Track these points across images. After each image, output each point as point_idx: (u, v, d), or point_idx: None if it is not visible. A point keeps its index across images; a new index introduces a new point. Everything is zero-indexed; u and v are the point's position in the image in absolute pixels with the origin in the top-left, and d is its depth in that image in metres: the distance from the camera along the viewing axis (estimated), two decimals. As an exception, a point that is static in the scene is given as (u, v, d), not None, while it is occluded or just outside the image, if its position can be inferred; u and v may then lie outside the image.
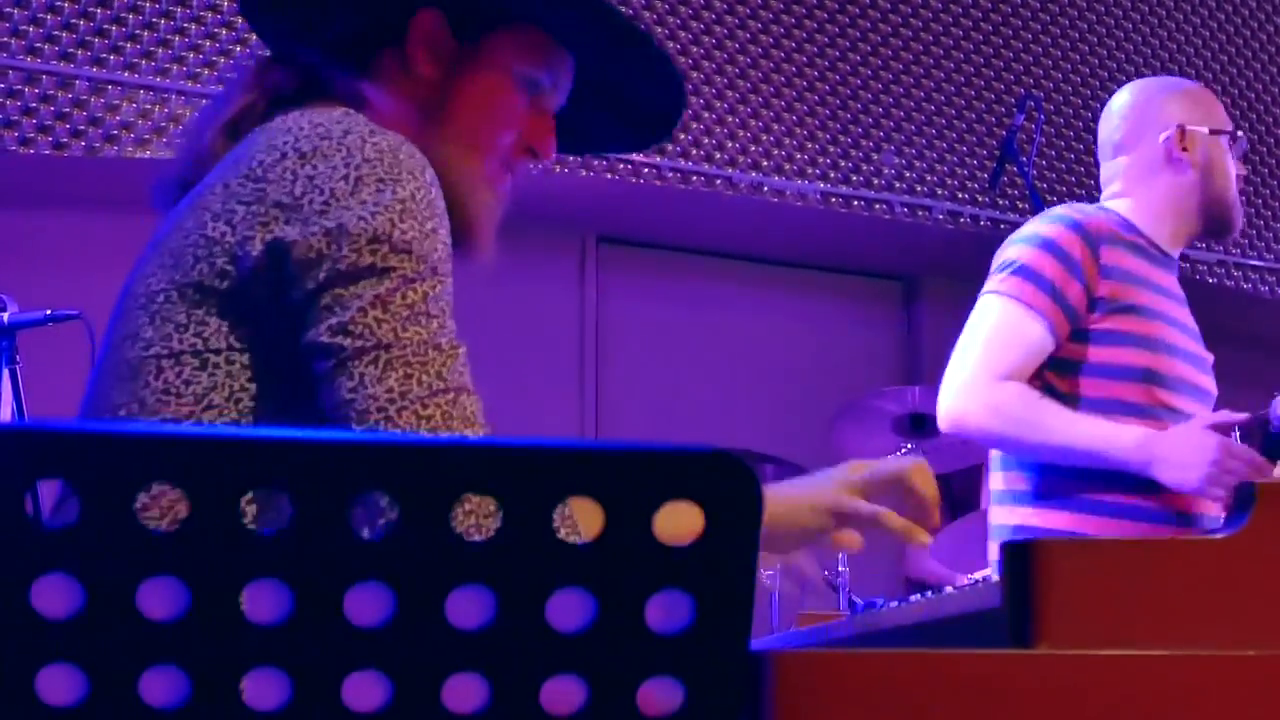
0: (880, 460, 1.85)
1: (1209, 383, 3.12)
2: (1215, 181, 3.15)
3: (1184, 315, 3.12)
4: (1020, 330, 2.95)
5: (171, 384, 1.56)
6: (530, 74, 1.83)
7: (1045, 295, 2.94)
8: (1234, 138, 3.20)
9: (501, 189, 1.84)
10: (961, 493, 5.36)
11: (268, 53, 1.88)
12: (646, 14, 5.90)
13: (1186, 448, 2.81)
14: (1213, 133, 3.17)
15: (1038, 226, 3.05)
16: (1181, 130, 3.15)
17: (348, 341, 1.51)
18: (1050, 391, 2.96)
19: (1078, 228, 2.99)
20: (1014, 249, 3.03)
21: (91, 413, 1.62)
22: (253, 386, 1.56)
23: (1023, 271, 2.97)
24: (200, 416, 1.55)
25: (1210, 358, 3.15)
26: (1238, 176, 3.18)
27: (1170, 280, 3.11)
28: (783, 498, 1.83)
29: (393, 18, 1.80)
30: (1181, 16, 6.95)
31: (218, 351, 1.56)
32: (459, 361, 1.55)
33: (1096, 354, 2.98)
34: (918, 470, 1.84)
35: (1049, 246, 2.97)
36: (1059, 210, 3.10)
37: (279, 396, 1.57)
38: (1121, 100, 3.28)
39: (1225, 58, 7.01)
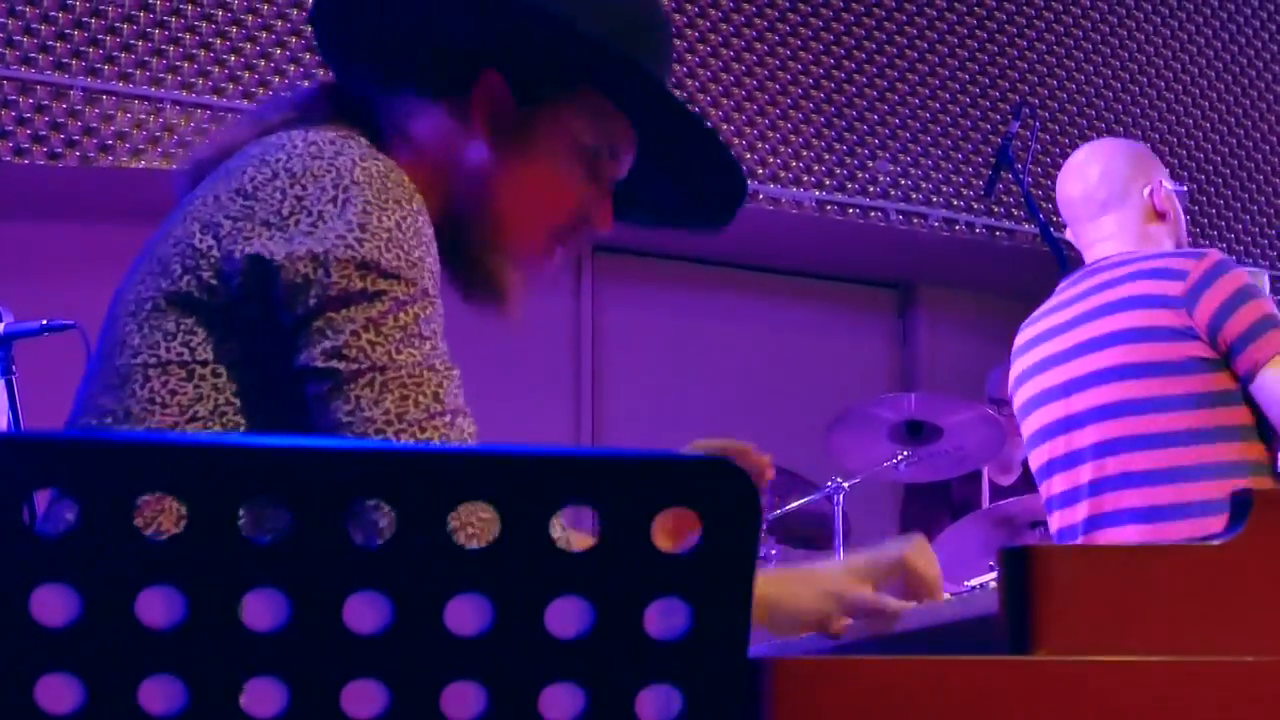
0: (878, 549, 1.76)
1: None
2: (1179, 230, 3.34)
3: None
4: None
5: (157, 393, 1.55)
6: (592, 144, 1.78)
7: None
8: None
9: (548, 266, 1.83)
10: (960, 498, 5.36)
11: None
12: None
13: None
14: (1174, 189, 3.35)
15: (1247, 275, 3.12)
16: (1160, 185, 3.32)
17: (342, 365, 1.51)
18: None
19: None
20: (1261, 305, 3.05)
21: (80, 419, 1.61)
22: (238, 401, 1.55)
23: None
24: (184, 427, 1.54)
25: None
26: None
27: None
28: (787, 580, 1.76)
29: (460, 71, 1.74)
30: (1176, 24, 6.95)
31: (204, 363, 1.55)
32: (454, 383, 1.55)
33: None
34: (919, 552, 1.73)
35: (1258, 292, 3.08)
36: (1238, 267, 3.14)
37: (266, 413, 1.56)
38: (1093, 161, 3.40)
39: (1220, 64, 7.02)
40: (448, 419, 1.52)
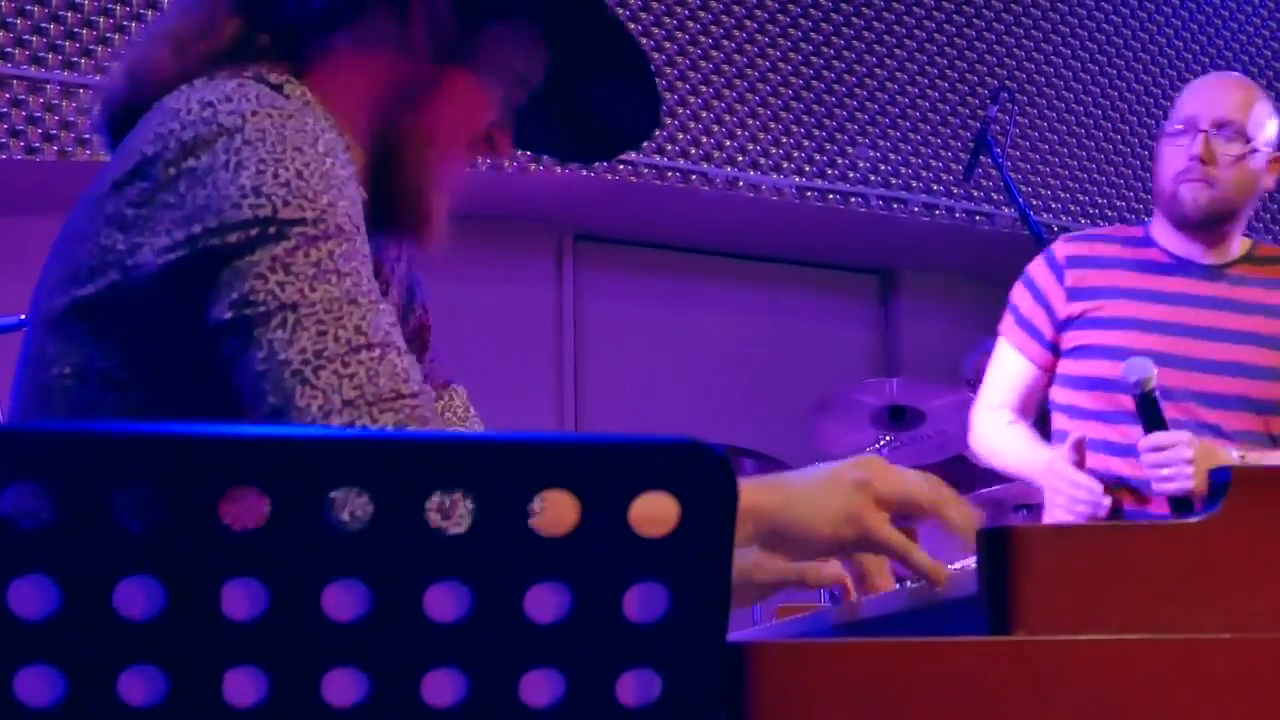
0: (904, 473, 1.55)
1: (1219, 384, 3.15)
2: (1155, 183, 3.35)
3: (1199, 317, 3.20)
4: (1002, 363, 3.41)
5: (78, 405, 1.47)
6: (523, 74, 1.73)
7: (1019, 328, 3.36)
8: (1174, 129, 3.25)
9: (458, 179, 1.73)
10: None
11: None
12: (620, 10, 5.90)
13: (1048, 477, 3.14)
14: (1164, 136, 3.31)
15: (1031, 263, 3.42)
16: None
17: (250, 310, 1.39)
18: (1047, 403, 3.38)
19: (1048, 256, 3.37)
20: (1015, 287, 3.43)
21: None
22: (167, 405, 1.46)
23: (1009, 307, 3.40)
24: None
25: (1247, 359, 3.18)
26: (1189, 159, 3.20)
27: (1196, 284, 3.23)
28: (788, 491, 1.52)
29: None
30: (1153, 6, 6.96)
31: (123, 368, 1.47)
32: (382, 317, 1.42)
33: (1065, 366, 3.29)
34: (953, 501, 1.54)
35: (1025, 281, 3.39)
36: (1057, 240, 3.43)
37: (197, 412, 1.46)
38: None
39: (1198, 47, 7.03)
40: (375, 353, 1.39)
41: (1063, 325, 3.27)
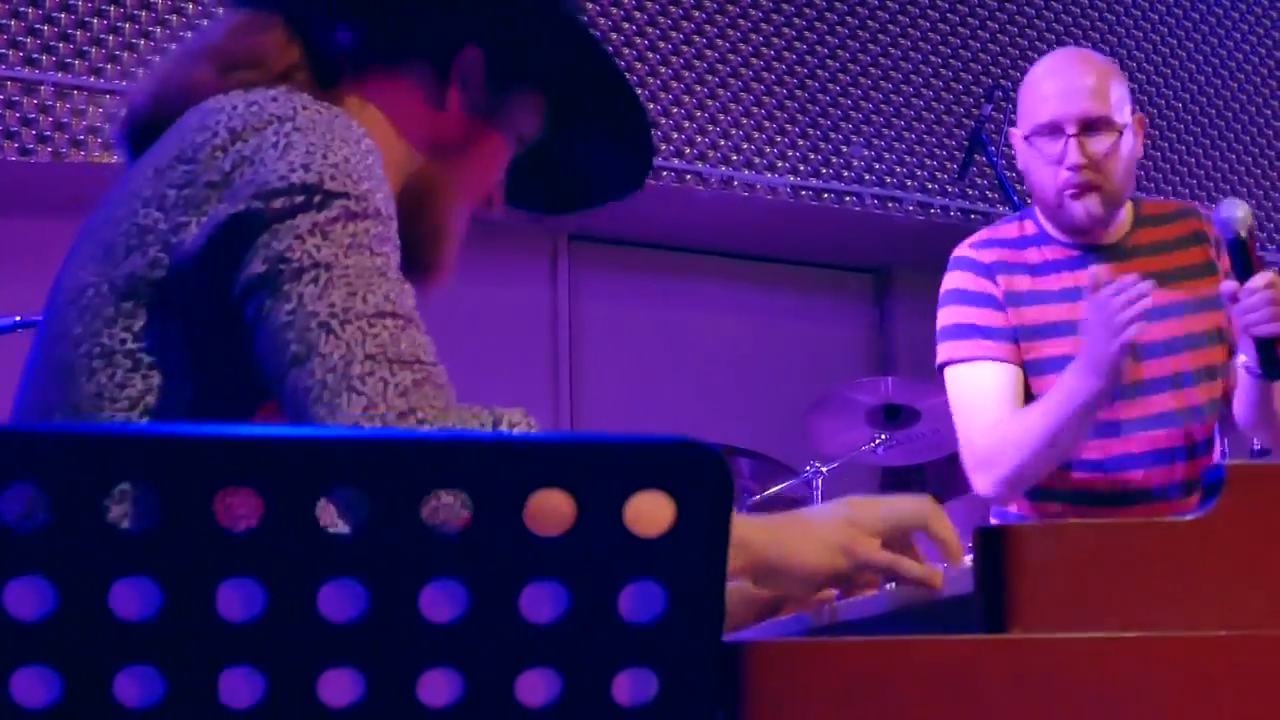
0: (888, 501, 1.62)
1: (1167, 366, 3.04)
2: (1030, 187, 3.14)
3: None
4: (974, 385, 3.07)
5: (105, 387, 1.49)
6: (526, 137, 1.80)
7: (985, 339, 3.05)
8: (1039, 138, 3.06)
9: (464, 229, 1.79)
10: (937, 481, 5.38)
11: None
12: (613, 10, 5.91)
13: (1088, 332, 2.84)
14: (1025, 138, 3.12)
15: (946, 280, 3.15)
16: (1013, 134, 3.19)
17: (284, 266, 1.42)
18: None
19: (972, 264, 3.11)
20: (940, 314, 3.14)
21: (26, 414, 1.56)
22: (189, 390, 1.49)
23: (952, 333, 3.10)
24: (137, 421, 1.48)
25: (1179, 331, 3.04)
26: (1070, 168, 3.01)
27: (1114, 270, 2.94)
28: (780, 529, 1.57)
29: (443, 36, 1.72)
30: (1147, 4, 6.97)
31: (151, 351, 1.49)
32: (408, 297, 1.46)
33: (1036, 385, 3.05)
34: (936, 514, 1.61)
35: (958, 297, 3.11)
36: (955, 253, 3.16)
37: (219, 399, 1.50)
38: None
39: (1191, 44, 7.03)
40: (400, 322, 1.42)
41: (1016, 333, 3.06)
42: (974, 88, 6.45)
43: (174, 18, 5.35)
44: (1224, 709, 1.22)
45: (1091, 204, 3.02)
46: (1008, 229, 3.19)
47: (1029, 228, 3.16)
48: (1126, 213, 3.15)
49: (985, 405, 3.05)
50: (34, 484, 0.92)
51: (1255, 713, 1.23)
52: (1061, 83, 3.08)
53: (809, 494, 4.94)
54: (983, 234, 3.21)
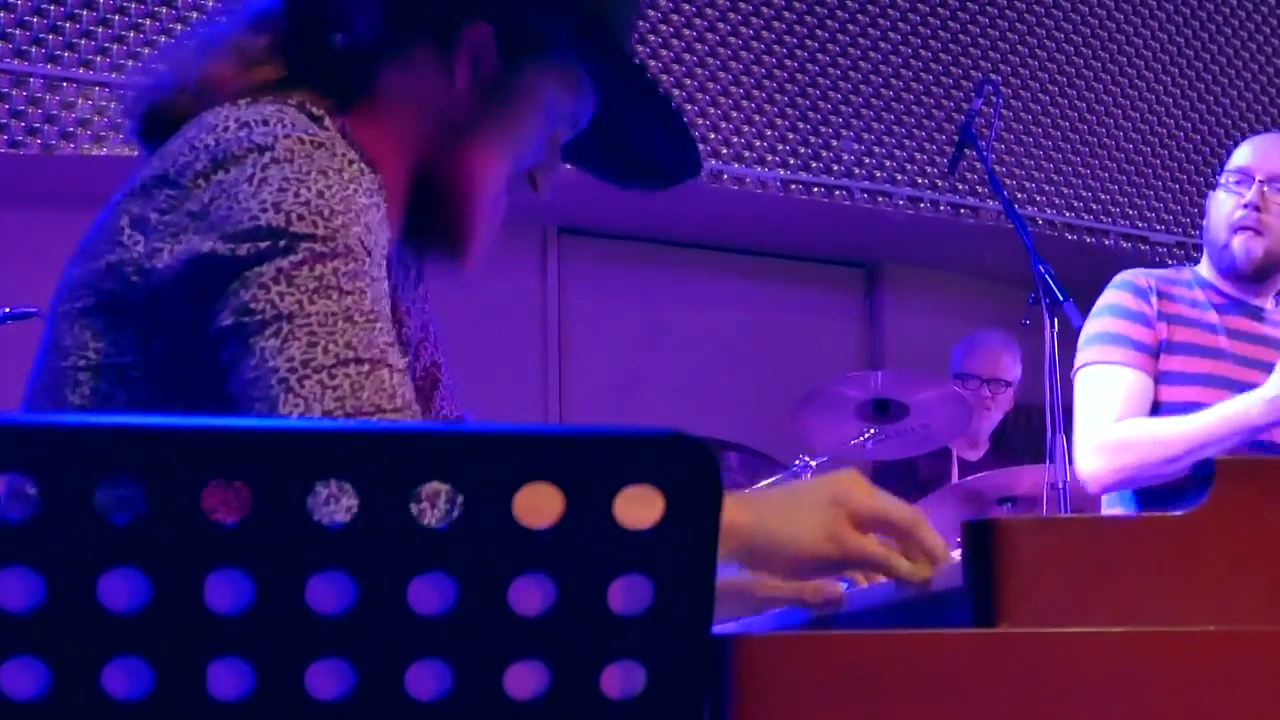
0: (878, 495, 1.57)
1: None
2: (1207, 232, 3.53)
3: (1248, 350, 3.39)
4: (1114, 383, 3.36)
5: (89, 400, 1.51)
6: (567, 114, 1.77)
7: (1128, 349, 3.37)
8: (1231, 180, 3.45)
9: (498, 213, 1.78)
10: (927, 474, 5.39)
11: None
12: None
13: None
14: (1219, 185, 3.50)
15: (1104, 296, 3.49)
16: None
17: (248, 319, 1.42)
18: None
19: (1130, 286, 3.44)
20: (1092, 323, 3.47)
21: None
22: (176, 406, 1.49)
23: (1101, 339, 3.42)
24: None
25: None
26: (1244, 207, 3.40)
27: (1245, 323, 3.43)
28: (768, 510, 1.54)
29: (446, 15, 1.69)
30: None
31: (135, 366, 1.50)
32: (376, 333, 1.44)
33: (1164, 393, 3.37)
34: (920, 524, 1.56)
35: (1113, 310, 3.44)
36: (1119, 277, 3.51)
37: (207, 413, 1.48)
38: None
39: (1182, 40, 7.04)
40: (364, 368, 1.40)
41: (1161, 346, 3.38)
42: (964, 82, 6.45)
43: (163, 9, 5.34)
44: (1214, 704, 1.22)
45: (1252, 243, 3.40)
46: (1167, 270, 3.61)
47: (1187, 273, 3.53)
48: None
49: (1120, 401, 3.33)
50: (22, 475, 0.92)
51: (1245, 708, 1.23)
52: (1262, 143, 3.53)
53: (798, 488, 4.93)
54: (1142, 269, 3.56)
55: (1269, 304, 3.48)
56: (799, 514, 1.54)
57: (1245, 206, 3.39)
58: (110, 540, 0.92)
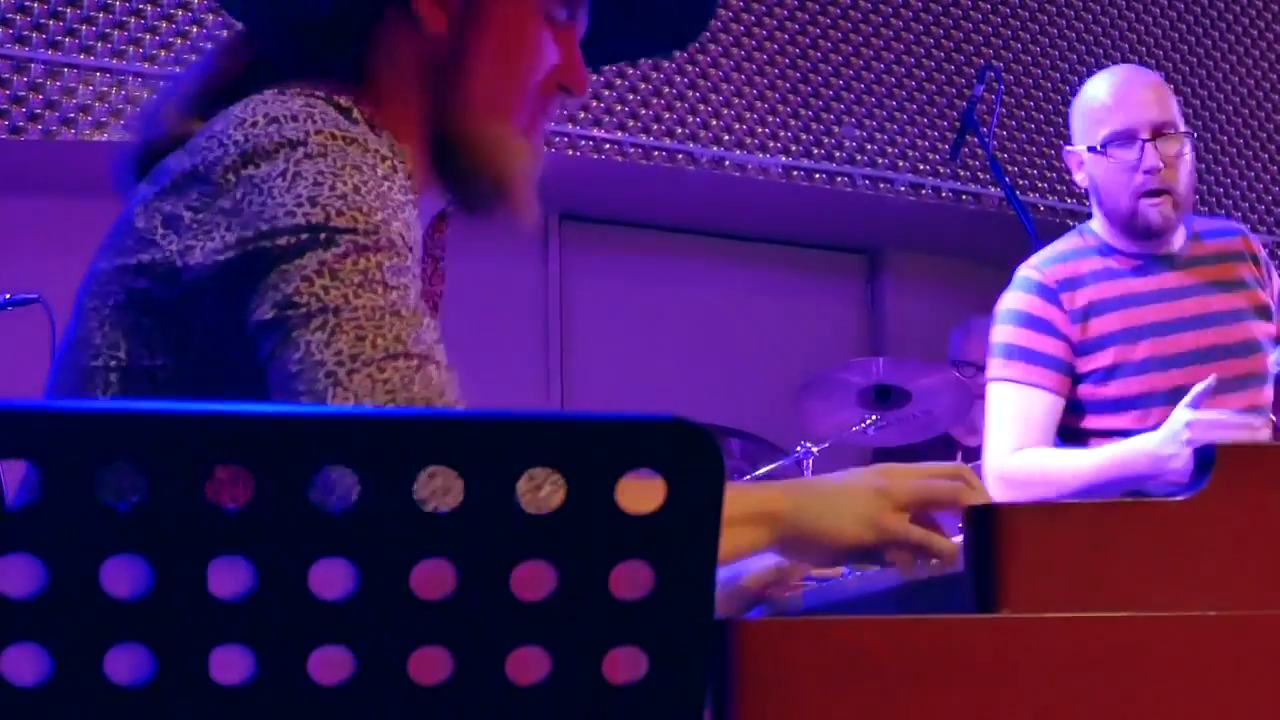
0: (922, 471, 1.59)
1: (1236, 366, 3.22)
2: (1100, 198, 3.31)
3: (1174, 310, 3.25)
4: (1018, 406, 3.23)
5: (118, 398, 1.48)
6: (559, 14, 1.69)
7: (1031, 364, 3.23)
8: (1113, 146, 3.24)
9: (536, 141, 1.70)
10: (927, 461, 5.38)
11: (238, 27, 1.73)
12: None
13: (1168, 440, 3.02)
14: (1089, 150, 3.29)
15: (1007, 298, 3.31)
16: (1073, 154, 3.36)
17: (292, 312, 1.38)
18: (1067, 433, 3.26)
19: (1035, 286, 3.27)
20: (995, 330, 3.31)
21: None
22: None
23: (1005, 352, 3.27)
24: None
25: (1222, 340, 3.25)
26: (1147, 171, 3.21)
27: (1164, 278, 3.27)
28: (806, 496, 1.54)
29: None
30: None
31: (167, 369, 1.48)
32: (424, 330, 1.41)
33: (1087, 392, 3.24)
34: (970, 489, 1.57)
35: (1017, 318, 3.27)
36: (1020, 272, 3.32)
37: None
38: None
39: (1184, 26, 7.03)
40: (413, 363, 1.38)
41: (1076, 349, 3.23)
42: (966, 69, 6.44)
43: (165, -5, 5.34)
44: (1213, 689, 1.23)
45: (1165, 207, 3.22)
46: (1066, 243, 3.38)
47: (1089, 240, 3.34)
48: (1182, 225, 3.34)
49: (1021, 429, 3.22)
50: (25, 461, 0.92)
51: (1244, 693, 1.23)
52: (1127, 93, 3.28)
53: (799, 475, 4.94)
54: (1043, 253, 3.38)
55: (1178, 242, 3.32)
56: (843, 503, 1.54)
57: (1146, 171, 3.20)
58: (112, 526, 0.92)
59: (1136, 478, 3.06)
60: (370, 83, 1.65)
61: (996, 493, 3.18)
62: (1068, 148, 3.39)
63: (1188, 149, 3.25)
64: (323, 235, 1.40)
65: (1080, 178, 3.35)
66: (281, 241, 1.41)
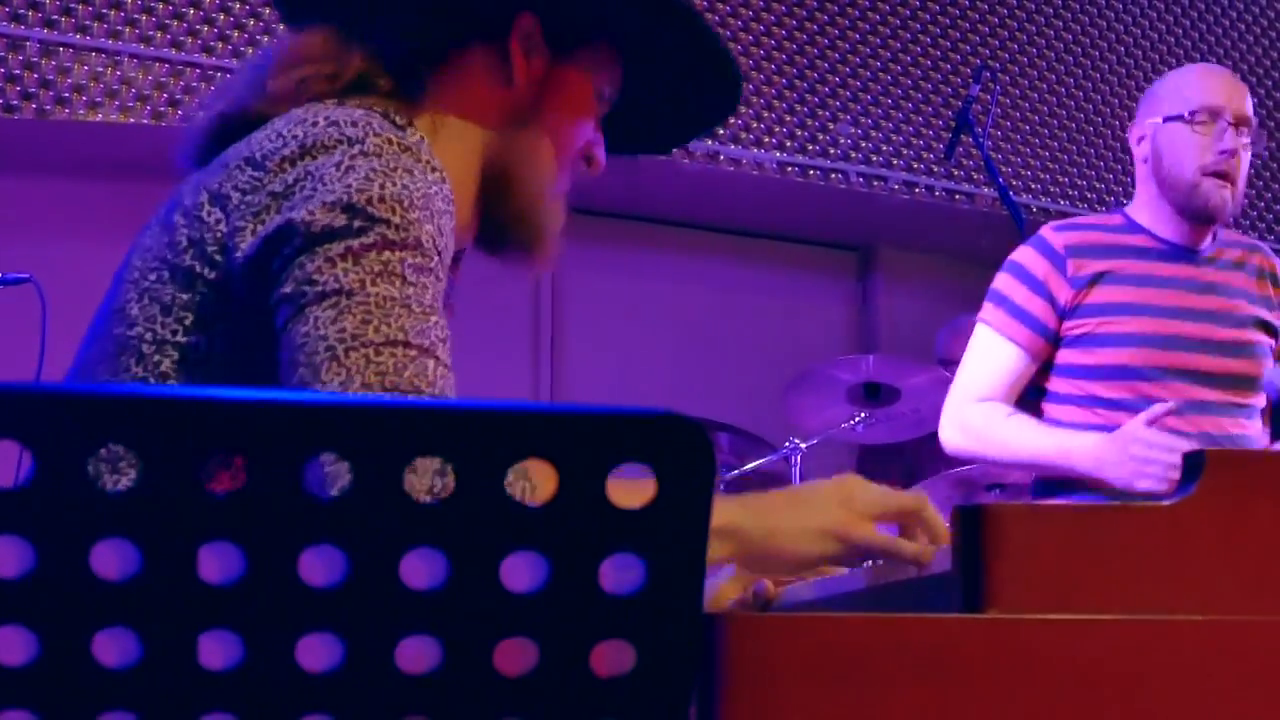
0: (880, 488, 1.61)
1: (1211, 363, 3.23)
2: (1162, 167, 3.30)
3: (1191, 300, 3.26)
4: (990, 354, 3.31)
5: (150, 373, 1.52)
6: (608, 91, 1.82)
7: (1012, 318, 3.28)
8: (1198, 117, 3.25)
9: (564, 200, 1.83)
10: (915, 459, 5.39)
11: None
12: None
13: (1113, 447, 3.06)
14: (1166, 120, 3.29)
15: (1017, 250, 3.37)
16: (1138, 129, 3.37)
17: (309, 288, 1.43)
18: (1037, 391, 3.32)
19: (1042, 246, 3.30)
20: (996, 276, 3.37)
21: (77, 379, 1.59)
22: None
23: (993, 297, 3.34)
24: None
25: (1229, 338, 3.26)
26: (1222, 151, 3.22)
27: (1183, 269, 3.29)
28: (768, 511, 1.58)
29: (492, 14, 1.73)
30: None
31: (198, 347, 1.52)
32: (430, 325, 1.46)
33: (1072, 356, 3.26)
34: (926, 504, 1.60)
35: (1015, 270, 3.32)
36: (1042, 230, 3.37)
37: None
38: None
39: (1180, 30, 7.03)
40: (411, 353, 1.42)
41: (1066, 313, 3.25)
42: (962, 67, 6.44)
43: (161, -23, 5.32)
44: (1198, 693, 1.23)
45: (1225, 192, 3.24)
46: (1093, 218, 3.45)
47: (1116, 219, 3.36)
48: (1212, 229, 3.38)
49: (991, 379, 3.29)
50: (17, 442, 0.92)
51: (1230, 697, 1.23)
52: (1220, 79, 3.34)
53: (787, 470, 4.94)
54: (1067, 221, 3.43)
55: (1205, 242, 3.33)
56: (804, 516, 1.56)
57: (1221, 152, 3.21)
58: (103, 509, 0.92)
59: (1073, 471, 3.13)
60: (431, 106, 1.71)
61: (951, 433, 3.35)
62: (1138, 123, 3.38)
63: (1249, 152, 3.30)
64: (357, 222, 1.45)
65: (1141, 151, 3.35)
66: (319, 224, 1.45)
